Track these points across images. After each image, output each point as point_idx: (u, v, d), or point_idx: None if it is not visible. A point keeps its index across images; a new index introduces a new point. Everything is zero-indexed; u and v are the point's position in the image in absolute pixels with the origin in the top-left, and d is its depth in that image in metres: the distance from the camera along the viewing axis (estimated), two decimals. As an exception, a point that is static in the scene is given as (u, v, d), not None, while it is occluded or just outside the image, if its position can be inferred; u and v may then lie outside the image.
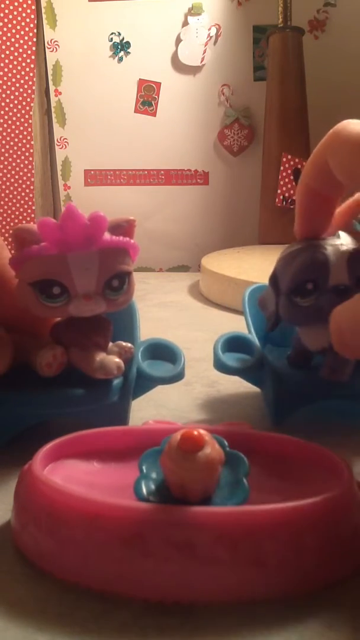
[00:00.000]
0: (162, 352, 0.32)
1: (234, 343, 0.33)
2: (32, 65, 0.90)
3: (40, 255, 0.26)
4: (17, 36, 0.88)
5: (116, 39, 0.90)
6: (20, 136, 0.91)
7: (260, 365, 0.32)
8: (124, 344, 0.30)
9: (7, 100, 0.90)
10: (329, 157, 0.25)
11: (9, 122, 0.90)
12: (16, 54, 0.89)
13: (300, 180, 0.28)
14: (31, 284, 0.27)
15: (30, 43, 0.89)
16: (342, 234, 0.28)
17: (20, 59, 0.89)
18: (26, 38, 0.89)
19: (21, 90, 0.90)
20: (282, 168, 0.81)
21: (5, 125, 0.90)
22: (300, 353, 0.31)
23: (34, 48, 0.89)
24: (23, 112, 0.90)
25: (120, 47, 0.90)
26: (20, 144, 0.91)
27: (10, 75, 0.89)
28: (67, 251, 0.26)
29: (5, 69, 0.89)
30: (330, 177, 0.25)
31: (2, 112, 0.90)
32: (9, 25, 0.88)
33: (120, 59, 0.90)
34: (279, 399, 0.31)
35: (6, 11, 0.87)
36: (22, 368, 0.28)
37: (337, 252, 0.27)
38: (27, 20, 0.88)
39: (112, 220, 0.28)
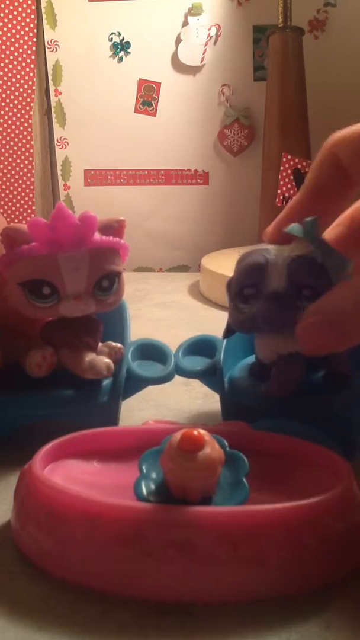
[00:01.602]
0: (152, 352, 0.32)
1: (200, 346, 0.32)
2: (32, 65, 0.90)
3: (31, 255, 0.26)
4: (17, 36, 0.88)
5: (116, 39, 0.90)
6: (20, 136, 0.91)
7: (214, 371, 0.30)
8: (114, 344, 0.30)
9: (7, 100, 0.90)
10: (338, 148, 0.24)
11: (9, 122, 0.90)
12: (16, 54, 0.89)
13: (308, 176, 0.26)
14: (21, 284, 0.27)
15: (30, 43, 0.89)
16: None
17: (20, 59, 0.89)
18: (26, 38, 0.89)
19: (21, 90, 0.90)
20: (282, 168, 0.81)
21: (5, 125, 0.90)
22: (259, 363, 0.28)
23: (34, 48, 0.89)
24: (23, 112, 0.90)
25: (120, 47, 0.90)
26: (20, 144, 0.91)
27: (10, 75, 0.89)
28: (58, 251, 0.26)
29: (5, 69, 0.89)
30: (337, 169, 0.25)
31: (2, 112, 0.90)
32: (9, 25, 0.88)
33: (120, 59, 0.90)
34: (226, 409, 0.30)
35: (6, 11, 0.87)
36: (13, 368, 0.28)
37: (281, 257, 0.25)
38: (27, 20, 0.88)
39: (103, 221, 0.28)
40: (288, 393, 0.26)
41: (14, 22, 0.88)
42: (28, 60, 0.89)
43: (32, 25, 0.89)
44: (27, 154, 0.91)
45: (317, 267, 0.24)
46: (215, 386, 0.32)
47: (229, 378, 0.30)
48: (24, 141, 0.91)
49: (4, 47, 0.88)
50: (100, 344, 0.30)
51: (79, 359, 0.28)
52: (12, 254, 0.26)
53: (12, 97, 0.90)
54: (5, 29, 0.88)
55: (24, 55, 0.89)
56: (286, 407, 0.27)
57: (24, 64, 0.89)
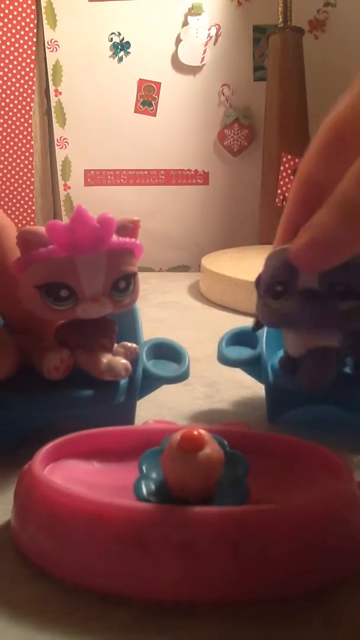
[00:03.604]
0: (165, 351, 0.32)
1: (242, 337, 0.34)
2: (32, 65, 0.90)
3: (48, 258, 0.26)
4: (17, 36, 0.88)
5: (116, 39, 0.90)
6: (20, 136, 0.91)
7: (258, 361, 0.32)
8: (129, 344, 0.30)
9: (7, 100, 0.90)
10: (342, 122, 0.24)
11: (9, 122, 0.90)
12: (16, 54, 0.89)
13: (298, 174, 0.26)
14: (37, 287, 0.26)
15: (30, 43, 0.89)
16: None
17: (20, 59, 0.89)
18: (26, 38, 0.89)
19: (21, 90, 0.90)
20: (282, 168, 0.81)
21: (5, 125, 0.90)
22: (288, 357, 0.29)
23: (34, 48, 0.89)
24: (23, 112, 0.90)
25: (120, 47, 0.90)
26: (20, 144, 0.91)
27: (10, 75, 0.89)
28: (75, 253, 0.26)
29: (5, 69, 0.89)
30: (339, 162, 0.24)
31: (2, 112, 0.90)
32: (9, 25, 0.88)
33: (120, 59, 0.90)
34: (271, 397, 0.31)
35: (6, 11, 0.87)
36: (25, 370, 0.28)
37: None
38: (27, 20, 0.88)
39: (118, 221, 0.27)
40: (319, 387, 0.27)
41: (14, 22, 0.88)
42: (28, 60, 0.89)
43: (32, 25, 0.89)
44: (27, 154, 0.91)
45: (349, 265, 0.24)
46: (259, 376, 0.33)
47: (271, 366, 0.31)
48: (24, 141, 0.91)
49: (4, 47, 0.88)
50: (115, 345, 0.30)
51: (96, 360, 0.27)
52: (28, 257, 0.26)
53: (12, 97, 0.90)
54: (5, 29, 0.88)
55: (24, 55, 0.89)
56: (328, 392, 0.28)
57: (24, 64, 0.89)
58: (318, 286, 0.25)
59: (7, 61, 0.89)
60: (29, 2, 0.88)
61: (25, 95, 0.90)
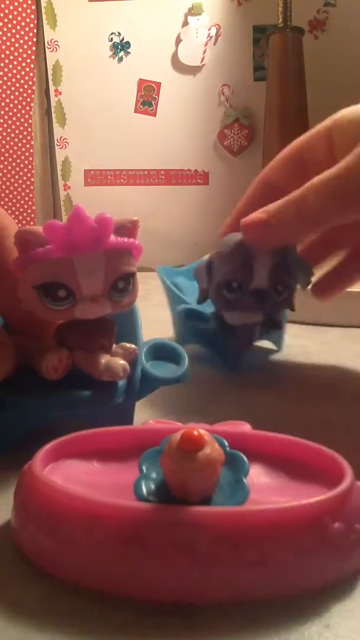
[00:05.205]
0: (165, 352, 0.32)
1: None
2: (32, 65, 0.90)
3: (46, 258, 0.26)
4: (17, 36, 0.88)
5: (116, 39, 0.90)
6: (20, 136, 0.91)
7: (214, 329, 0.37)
8: (128, 345, 0.30)
9: (7, 100, 0.90)
10: (334, 135, 0.30)
11: (9, 122, 0.90)
12: (16, 54, 0.89)
13: (259, 176, 0.34)
14: (36, 287, 0.26)
15: (30, 43, 0.89)
16: None
17: (20, 59, 0.89)
18: (26, 38, 0.89)
19: (21, 90, 0.90)
20: (282, 168, 0.81)
21: (5, 125, 0.90)
22: (226, 324, 0.36)
23: (34, 48, 0.89)
24: (23, 112, 0.90)
25: (120, 47, 0.90)
26: (20, 144, 0.91)
27: (10, 75, 0.89)
28: (73, 253, 0.26)
29: (5, 69, 0.89)
30: (301, 172, 0.31)
31: (2, 112, 0.90)
32: (9, 25, 0.88)
33: (120, 59, 0.90)
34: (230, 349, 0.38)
35: (6, 11, 0.87)
36: (25, 370, 0.28)
37: (264, 258, 0.32)
38: (27, 20, 0.88)
39: (116, 221, 0.27)
40: (247, 349, 0.37)
41: (14, 22, 0.88)
42: (28, 60, 0.89)
43: (32, 25, 0.89)
44: (27, 154, 0.91)
45: (290, 266, 0.33)
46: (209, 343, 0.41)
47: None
48: (24, 141, 0.91)
49: (4, 47, 0.88)
50: (114, 346, 0.30)
51: (95, 360, 0.27)
52: (26, 257, 0.26)
53: (12, 97, 0.90)
54: (5, 29, 0.88)
55: (24, 55, 0.89)
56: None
57: (24, 64, 0.89)
58: (267, 285, 0.32)
59: (7, 61, 0.89)
60: (29, 2, 0.88)
61: (25, 95, 0.90)
